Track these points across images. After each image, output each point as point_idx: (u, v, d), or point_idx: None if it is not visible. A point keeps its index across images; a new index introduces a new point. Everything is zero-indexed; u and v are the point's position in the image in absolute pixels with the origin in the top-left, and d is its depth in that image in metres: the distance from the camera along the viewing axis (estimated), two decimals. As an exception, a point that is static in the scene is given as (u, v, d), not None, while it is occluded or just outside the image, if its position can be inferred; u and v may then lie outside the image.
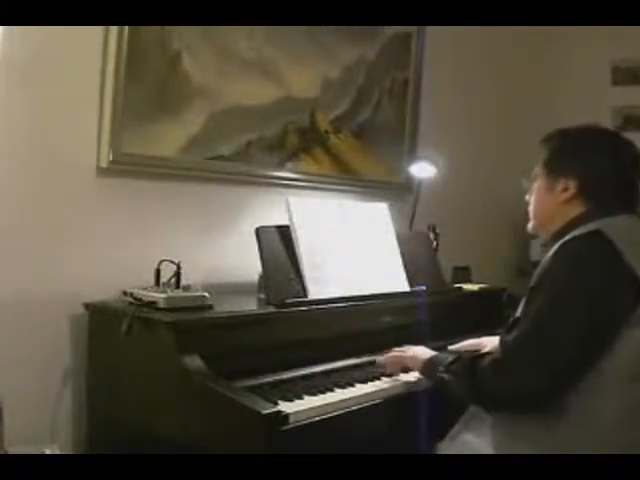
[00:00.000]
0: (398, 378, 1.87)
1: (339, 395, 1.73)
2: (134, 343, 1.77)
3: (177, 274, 1.89)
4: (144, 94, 2.04)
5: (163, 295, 1.80)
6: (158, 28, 2.04)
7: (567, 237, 1.50)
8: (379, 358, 1.93)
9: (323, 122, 2.56)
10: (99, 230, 2.01)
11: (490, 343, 1.98)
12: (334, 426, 1.65)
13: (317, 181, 2.55)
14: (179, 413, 1.67)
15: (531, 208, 1.70)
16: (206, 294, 1.87)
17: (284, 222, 2.04)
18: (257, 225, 1.98)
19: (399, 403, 1.80)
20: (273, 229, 2.02)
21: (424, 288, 2.27)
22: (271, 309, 1.91)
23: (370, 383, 1.83)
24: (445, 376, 1.60)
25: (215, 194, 2.29)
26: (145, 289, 1.86)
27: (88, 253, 1.99)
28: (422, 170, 2.76)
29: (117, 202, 2.06)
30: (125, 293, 1.88)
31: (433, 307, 2.20)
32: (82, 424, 1.99)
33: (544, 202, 1.65)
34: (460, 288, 2.57)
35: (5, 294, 1.83)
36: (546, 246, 1.62)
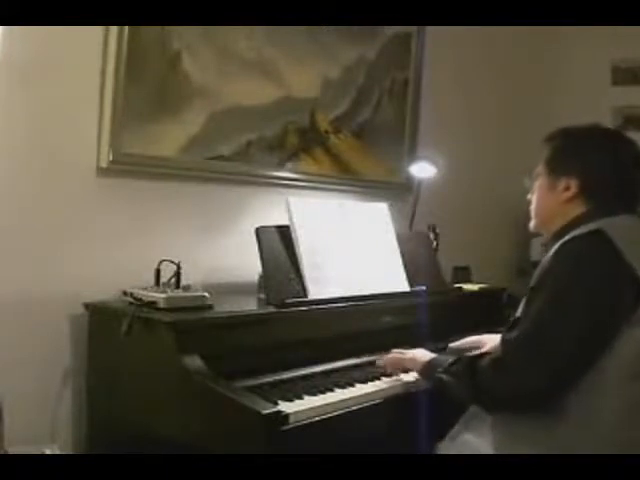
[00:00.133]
0: (398, 378, 1.88)
1: (339, 395, 1.73)
2: (134, 343, 1.77)
3: (177, 274, 1.89)
4: (144, 94, 2.04)
5: (163, 295, 1.80)
6: (158, 28, 2.04)
7: (568, 237, 1.50)
8: (379, 361, 1.92)
9: (323, 122, 2.56)
10: (99, 230, 2.01)
11: (490, 341, 1.98)
12: (334, 426, 1.65)
13: (317, 181, 2.55)
14: (179, 413, 1.67)
15: (532, 207, 1.70)
16: (206, 294, 1.87)
17: (284, 222, 2.04)
18: (257, 225, 1.98)
19: (399, 403, 1.80)
20: (273, 229, 2.02)
21: (424, 288, 2.27)
22: (271, 309, 1.91)
23: (370, 383, 1.83)
24: (444, 377, 1.60)
25: (215, 194, 2.29)
26: (145, 289, 1.86)
27: (88, 253, 1.99)
28: (422, 170, 2.76)
29: (117, 202, 2.06)
30: (125, 293, 1.88)
31: (433, 307, 2.20)
32: (82, 424, 1.99)
33: (545, 201, 1.65)
34: (460, 288, 2.57)
35: (5, 294, 1.83)
36: (547, 245, 1.62)
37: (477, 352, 1.93)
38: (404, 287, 2.24)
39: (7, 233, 1.84)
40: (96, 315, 1.93)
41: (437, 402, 1.70)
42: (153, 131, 2.08)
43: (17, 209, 1.87)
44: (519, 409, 1.50)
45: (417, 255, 2.37)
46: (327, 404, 1.67)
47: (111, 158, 1.98)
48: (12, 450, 1.62)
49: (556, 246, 1.51)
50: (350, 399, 1.72)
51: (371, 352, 2.02)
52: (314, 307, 1.97)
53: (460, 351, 1.99)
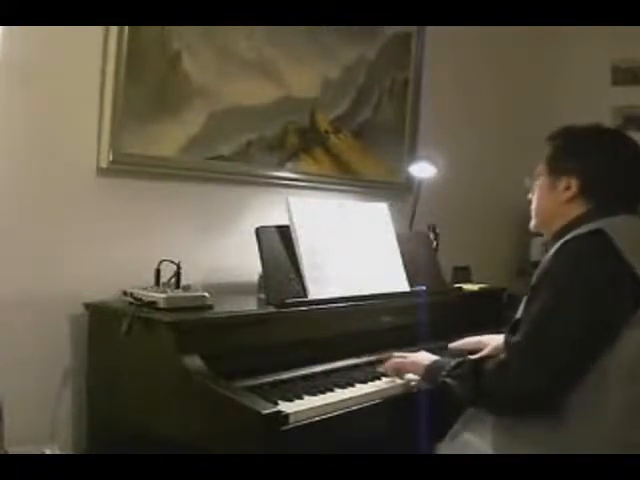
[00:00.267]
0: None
1: (339, 395, 1.73)
2: (134, 343, 1.77)
3: (177, 274, 1.89)
4: (144, 94, 2.04)
5: (163, 295, 1.80)
6: (158, 28, 2.04)
7: (568, 236, 1.50)
8: (380, 368, 1.90)
9: (323, 122, 2.56)
10: (99, 230, 2.01)
11: (491, 341, 1.98)
12: (334, 426, 1.65)
13: (317, 181, 2.55)
14: (179, 413, 1.67)
15: (533, 207, 1.70)
16: (206, 294, 1.87)
17: (284, 222, 2.04)
18: (257, 225, 1.98)
19: (399, 403, 1.79)
20: (273, 229, 2.02)
21: (424, 288, 2.27)
22: (271, 309, 1.90)
23: (370, 383, 1.83)
24: (448, 380, 1.60)
25: (215, 194, 2.29)
26: (145, 289, 1.86)
27: (88, 253, 1.99)
28: (422, 170, 2.76)
29: (117, 202, 2.06)
30: (125, 293, 1.88)
31: (433, 307, 2.20)
32: (82, 424, 1.99)
33: (546, 201, 1.65)
34: (460, 288, 2.57)
35: (5, 294, 1.83)
36: (547, 245, 1.62)
37: (480, 355, 1.93)
38: (404, 287, 2.24)
39: (7, 233, 1.84)
40: (96, 315, 1.93)
41: (437, 402, 1.70)
42: (153, 131, 2.08)
43: (17, 209, 1.87)
44: (521, 410, 1.50)
45: (417, 255, 2.37)
46: (327, 404, 1.67)
47: (111, 158, 1.98)
48: (12, 450, 1.62)
49: (556, 246, 1.51)
50: (350, 399, 1.72)
51: (371, 352, 2.02)
52: (314, 307, 1.97)
53: (461, 352, 1.99)
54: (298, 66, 2.43)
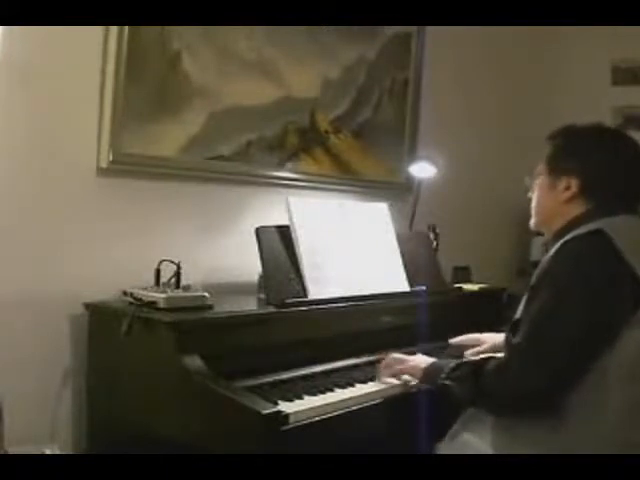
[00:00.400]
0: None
1: (339, 395, 1.73)
2: (134, 343, 1.77)
3: (177, 274, 1.89)
4: (144, 94, 2.04)
5: (163, 295, 1.80)
6: (158, 28, 2.04)
7: (568, 236, 1.50)
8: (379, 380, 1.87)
9: (323, 122, 2.56)
10: (99, 230, 2.01)
11: (490, 339, 1.99)
12: (334, 426, 1.65)
13: (317, 181, 2.55)
14: (179, 413, 1.67)
15: (533, 206, 1.70)
16: (206, 294, 1.87)
17: (284, 222, 2.04)
18: (257, 225, 1.98)
19: (399, 403, 1.79)
20: (273, 229, 2.02)
21: (424, 288, 2.27)
22: (271, 309, 1.90)
23: (370, 383, 1.83)
24: (448, 382, 1.60)
25: (215, 194, 2.29)
26: (145, 289, 1.86)
27: (88, 253, 1.99)
28: (422, 170, 2.76)
29: (117, 202, 2.06)
30: (125, 293, 1.88)
31: (433, 307, 2.20)
32: (82, 424, 1.99)
33: (546, 200, 1.65)
34: (460, 288, 2.57)
35: (5, 294, 1.83)
36: (547, 245, 1.62)
37: (478, 350, 1.94)
38: (404, 287, 2.24)
39: (7, 233, 1.84)
40: (96, 315, 1.93)
41: (437, 402, 1.70)
42: (153, 131, 2.08)
43: (17, 209, 1.87)
44: (521, 410, 1.50)
45: (417, 255, 2.37)
46: (327, 404, 1.67)
47: (111, 158, 1.98)
48: (12, 450, 1.62)
49: (556, 246, 1.51)
50: (350, 399, 1.72)
51: (371, 352, 2.02)
52: (314, 307, 1.97)
53: (460, 348, 2.00)
54: (298, 66, 2.43)
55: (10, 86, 1.82)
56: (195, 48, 2.14)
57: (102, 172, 2.01)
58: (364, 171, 2.73)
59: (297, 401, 1.65)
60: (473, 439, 1.58)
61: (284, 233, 2.03)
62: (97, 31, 1.95)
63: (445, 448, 1.63)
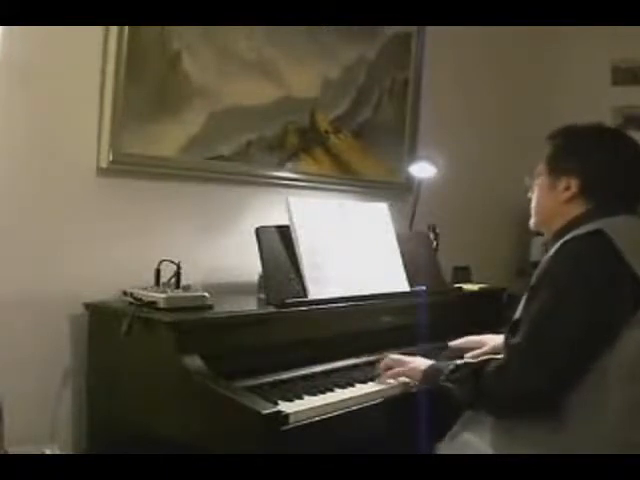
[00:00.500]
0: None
1: (339, 395, 1.73)
2: (134, 343, 1.77)
3: (177, 274, 1.89)
4: (144, 94, 2.04)
5: (163, 295, 1.80)
6: (158, 28, 2.04)
7: (568, 236, 1.50)
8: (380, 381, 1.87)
9: (323, 122, 2.56)
10: (99, 230, 2.01)
11: (491, 341, 1.98)
12: (334, 426, 1.65)
13: (317, 181, 2.55)
14: (179, 413, 1.67)
15: (532, 205, 1.70)
16: (206, 294, 1.87)
17: (284, 222, 2.04)
18: (257, 225, 1.98)
19: (399, 403, 1.79)
20: (273, 229, 2.02)
21: (424, 288, 2.27)
22: (271, 309, 1.90)
23: (370, 383, 1.83)
24: (448, 385, 1.60)
25: (215, 194, 2.29)
26: (145, 289, 1.86)
27: (88, 253, 1.99)
28: (422, 170, 2.76)
29: (117, 202, 2.06)
30: (125, 293, 1.88)
31: (433, 307, 2.20)
32: (82, 424, 1.99)
33: (546, 200, 1.65)
34: (460, 288, 2.57)
35: (5, 294, 1.83)
36: (547, 245, 1.62)
37: (478, 352, 1.93)
38: (404, 287, 2.24)
39: (7, 233, 1.84)
40: (96, 315, 1.93)
41: (437, 402, 1.70)
42: (153, 131, 2.08)
43: (17, 209, 1.87)
44: (521, 411, 1.50)
45: (417, 255, 2.37)
46: (327, 404, 1.67)
47: (111, 158, 1.98)
48: (12, 450, 1.62)
49: (556, 246, 1.51)
50: (350, 399, 1.72)
51: (371, 352, 2.02)
52: (314, 307, 1.97)
53: (460, 350, 1.99)
54: (298, 66, 2.43)
55: (10, 86, 1.82)
56: (195, 48, 2.14)
57: (102, 172, 2.01)
58: (364, 171, 2.73)
59: (297, 401, 1.65)
60: (473, 439, 1.58)
61: (284, 233, 2.03)
62: (97, 31, 1.95)
63: (445, 448, 1.63)
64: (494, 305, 2.60)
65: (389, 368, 1.83)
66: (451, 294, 2.48)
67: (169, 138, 2.12)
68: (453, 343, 2.08)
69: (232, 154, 2.27)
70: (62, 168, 1.94)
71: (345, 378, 1.84)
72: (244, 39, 2.26)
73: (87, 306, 1.93)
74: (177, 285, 1.88)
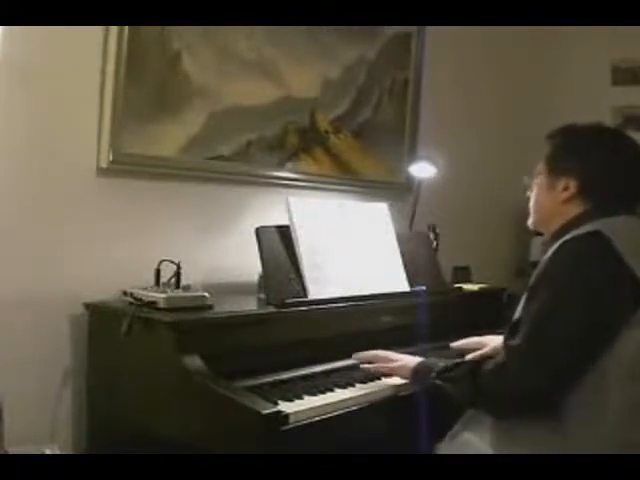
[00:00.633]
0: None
1: (339, 395, 1.73)
2: (134, 343, 1.77)
3: (177, 274, 1.89)
4: (144, 94, 2.04)
5: (163, 295, 1.80)
6: (158, 28, 2.04)
7: (567, 237, 1.50)
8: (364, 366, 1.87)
9: (323, 122, 2.56)
10: (99, 230, 2.01)
11: (491, 342, 1.98)
12: (334, 426, 1.65)
13: (317, 181, 2.55)
14: (179, 413, 1.67)
15: (531, 205, 1.70)
16: (206, 294, 1.87)
17: (284, 222, 2.04)
18: (257, 225, 1.98)
19: (399, 403, 1.79)
20: (273, 229, 2.02)
21: (424, 288, 2.27)
22: (271, 309, 1.90)
23: (370, 383, 1.83)
24: (439, 382, 1.60)
25: (215, 194, 2.29)
26: (145, 289, 1.86)
27: (88, 253, 1.99)
28: (422, 170, 2.76)
29: (117, 202, 2.06)
30: (125, 293, 1.88)
31: (433, 307, 2.20)
32: (82, 424, 1.99)
33: (544, 200, 1.65)
34: (460, 288, 2.57)
35: (5, 294, 1.83)
36: (546, 245, 1.62)
37: (479, 353, 1.93)
38: (404, 287, 2.24)
39: (7, 233, 1.84)
40: (96, 315, 1.93)
41: (437, 402, 1.70)
42: (153, 131, 2.08)
43: (17, 209, 1.87)
44: (520, 411, 1.49)
45: (417, 255, 2.37)
46: (327, 404, 1.67)
47: (111, 158, 1.98)
48: (12, 450, 1.62)
49: (555, 246, 1.51)
50: (350, 399, 1.72)
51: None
52: (314, 307, 1.97)
53: (462, 352, 1.99)
54: (298, 66, 2.43)
55: (10, 86, 1.82)
56: (195, 48, 2.14)
57: (102, 172, 2.01)
58: (364, 171, 2.73)
59: (297, 401, 1.65)
60: (473, 439, 1.58)
61: (284, 233, 2.03)
62: (97, 31, 1.95)
63: (445, 448, 1.63)
64: (494, 305, 2.60)
65: (376, 361, 1.82)
66: (451, 294, 2.48)
67: (169, 138, 2.12)
68: (454, 344, 2.08)
69: (232, 154, 2.27)
70: (62, 168, 1.94)
71: (345, 378, 1.84)
72: (244, 39, 2.26)
73: (87, 306, 1.93)
74: (177, 285, 1.88)
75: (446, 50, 2.99)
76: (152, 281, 1.91)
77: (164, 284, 1.89)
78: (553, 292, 1.46)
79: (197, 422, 1.62)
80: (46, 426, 1.94)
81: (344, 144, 2.65)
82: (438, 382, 1.61)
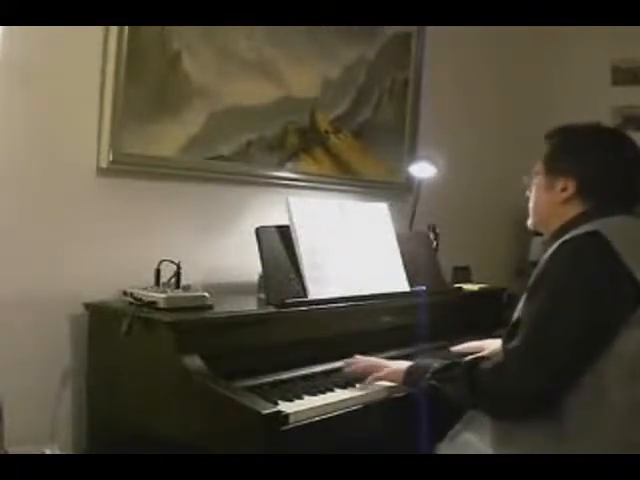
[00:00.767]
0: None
1: (339, 395, 1.73)
2: (134, 343, 1.77)
3: (177, 274, 1.89)
4: (144, 94, 2.04)
5: (163, 295, 1.80)
6: (158, 28, 2.04)
7: (566, 237, 1.50)
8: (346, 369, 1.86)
9: (323, 122, 2.56)
10: (99, 230, 2.01)
11: (491, 345, 1.98)
12: (334, 426, 1.65)
13: (317, 181, 2.55)
14: (179, 413, 1.67)
15: (530, 205, 1.70)
16: (206, 294, 1.87)
17: (284, 222, 2.04)
18: (257, 225, 1.98)
19: (399, 403, 1.79)
20: (273, 229, 2.02)
21: (424, 288, 2.27)
22: (271, 309, 1.90)
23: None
24: (434, 383, 1.60)
25: (215, 194, 2.29)
26: (145, 289, 1.86)
27: (88, 253, 1.99)
28: (422, 170, 2.76)
29: (117, 202, 2.06)
30: (125, 293, 1.88)
31: (433, 307, 2.20)
32: (82, 424, 1.99)
33: (543, 201, 1.65)
34: (460, 288, 2.57)
35: (5, 294, 1.83)
36: (546, 245, 1.62)
37: (478, 355, 1.92)
38: (404, 287, 2.24)
39: (7, 233, 1.84)
40: (96, 315, 1.93)
41: (437, 402, 1.70)
42: (153, 131, 2.08)
43: (17, 209, 1.87)
44: (520, 411, 1.49)
45: (417, 255, 2.37)
46: (327, 404, 1.67)
47: (111, 158, 1.98)
48: (12, 450, 1.62)
49: (554, 246, 1.51)
50: (350, 399, 1.72)
51: (371, 352, 2.01)
52: (314, 307, 1.97)
53: (462, 356, 1.99)
54: (298, 66, 2.43)
55: (10, 86, 1.82)
56: (195, 48, 2.14)
57: (102, 172, 2.01)
58: (364, 171, 2.73)
59: (297, 401, 1.65)
60: (473, 439, 1.58)
61: (284, 233, 2.03)
62: (97, 31, 1.95)
63: (445, 448, 1.63)
64: (494, 305, 2.60)
65: (367, 372, 1.81)
66: (451, 294, 2.48)
67: (169, 138, 2.12)
68: (454, 349, 2.08)
69: (232, 154, 2.27)
70: (62, 168, 1.94)
71: (345, 378, 1.83)
72: (244, 39, 2.26)
73: (87, 306, 1.93)
74: (177, 285, 1.88)
75: (446, 50, 2.99)
76: (152, 281, 1.91)
77: (164, 284, 1.89)
78: (552, 292, 1.46)
79: (197, 422, 1.62)
80: (46, 426, 1.94)
81: (344, 144, 2.65)
82: (433, 382, 1.60)
